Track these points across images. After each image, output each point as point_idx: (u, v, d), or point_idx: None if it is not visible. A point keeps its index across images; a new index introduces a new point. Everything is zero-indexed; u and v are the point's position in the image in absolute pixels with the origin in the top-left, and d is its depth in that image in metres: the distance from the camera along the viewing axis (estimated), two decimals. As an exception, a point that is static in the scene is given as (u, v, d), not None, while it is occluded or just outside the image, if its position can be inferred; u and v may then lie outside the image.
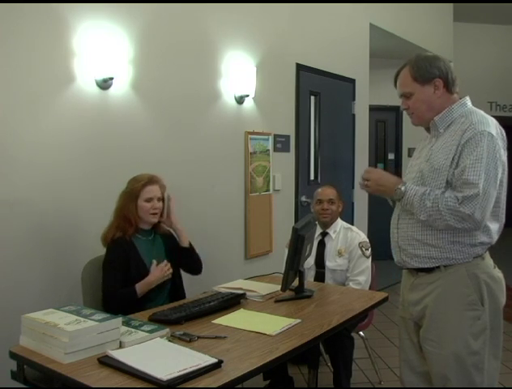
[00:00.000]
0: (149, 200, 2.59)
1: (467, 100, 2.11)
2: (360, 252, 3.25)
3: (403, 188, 2.05)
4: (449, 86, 2.08)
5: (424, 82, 2.07)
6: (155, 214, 2.62)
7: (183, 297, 2.69)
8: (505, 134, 2.04)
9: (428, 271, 2.06)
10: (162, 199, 2.66)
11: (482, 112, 2.05)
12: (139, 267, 2.55)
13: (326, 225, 3.37)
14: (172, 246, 2.75)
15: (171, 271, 2.55)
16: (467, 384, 1.98)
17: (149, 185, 2.61)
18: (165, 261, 2.55)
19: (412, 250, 2.09)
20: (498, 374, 2.06)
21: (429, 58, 2.10)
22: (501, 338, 2.05)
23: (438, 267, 2.04)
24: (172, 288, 2.68)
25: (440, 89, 2.07)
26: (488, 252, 2.06)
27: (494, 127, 1.98)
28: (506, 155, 2.04)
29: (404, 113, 2.21)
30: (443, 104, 2.08)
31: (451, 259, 2.01)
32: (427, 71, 2.06)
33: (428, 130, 2.18)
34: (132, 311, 2.31)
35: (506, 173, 2.04)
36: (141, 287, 2.47)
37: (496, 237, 2.04)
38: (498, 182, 1.96)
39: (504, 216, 2.07)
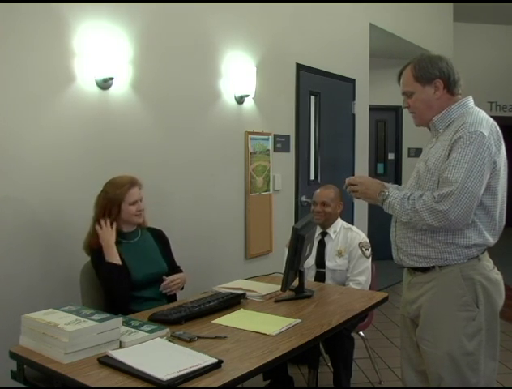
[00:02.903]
0: (134, 203, 2.59)
1: (469, 101, 2.09)
2: (360, 252, 3.25)
3: (386, 192, 2.08)
4: (450, 87, 2.07)
5: (424, 82, 2.07)
6: (140, 215, 2.62)
7: (174, 298, 2.68)
8: (501, 135, 2.01)
9: (424, 270, 2.07)
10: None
11: (482, 113, 2.03)
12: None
13: (325, 225, 3.37)
14: (164, 244, 2.75)
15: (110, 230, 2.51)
16: (461, 384, 1.98)
17: (132, 188, 2.59)
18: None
19: (408, 248, 2.10)
20: (495, 374, 2.05)
21: (431, 59, 2.09)
22: (497, 339, 2.05)
23: (434, 267, 2.04)
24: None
25: (440, 90, 2.07)
26: (486, 253, 2.05)
27: (488, 128, 1.95)
28: (504, 156, 2.02)
29: (405, 112, 2.23)
30: (443, 105, 2.08)
31: (446, 260, 2.01)
32: (427, 72, 2.06)
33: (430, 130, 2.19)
34: (131, 311, 2.32)
35: (504, 172, 2.02)
36: (109, 256, 2.45)
37: (491, 238, 2.03)
38: (485, 182, 1.93)
39: (503, 218, 2.06)
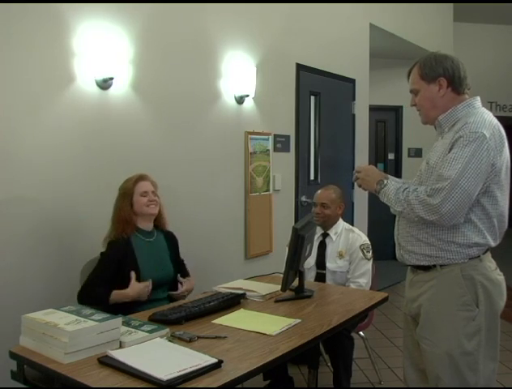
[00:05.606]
0: (144, 194, 2.63)
1: (475, 101, 2.09)
2: (361, 254, 3.23)
3: (385, 181, 2.11)
4: (454, 85, 2.07)
5: (429, 80, 2.08)
6: (152, 206, 2.65)
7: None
8: (504, 137, 2.00)
9: (425, 269, 2.08)
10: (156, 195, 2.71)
11: (487, 114, 2.02)
12: (133, 269, 2.53)
13: (326, 227, 3.36)
14: (174, 246, 2.80)
15: (149, 292, 2.50)
16: (460, 384, 1.98)
17: (140, 181, 2.66)
18: (149, 282, 2.50)
19: (409, 246, 2.11)
20: (495, 375, 2.05)
21: (437, 57, 2.10)
22: (498, 340, 2.04)
23: (435, 266, 2.05)
24: (173, 290, 2.69)
25: (444, 88, 2.07)
26: (488, 254, 2.05)
27: (490, 129, 1.95)
28: (507, 158, 2.01)
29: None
30: (447, 104, 2.08)
31: (446, 259, 2.01)
32: (432, 70, 2.07)
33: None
34: (134, 311, 2.33)
35: (506, 175, 2.01)
36: (117, 295, 2.46)
37: (491, 240, 2.02)
38: (481, 182, 1.92)
39: (505, 220, 2.05)
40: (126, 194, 2.63)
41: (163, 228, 2.78)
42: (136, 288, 2.47)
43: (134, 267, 2.55)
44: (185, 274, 2.80)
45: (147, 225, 2.69)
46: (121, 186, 2.68)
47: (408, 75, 2.18)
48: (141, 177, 2.68)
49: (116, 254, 2.55)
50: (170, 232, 2.82)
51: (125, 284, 2.48)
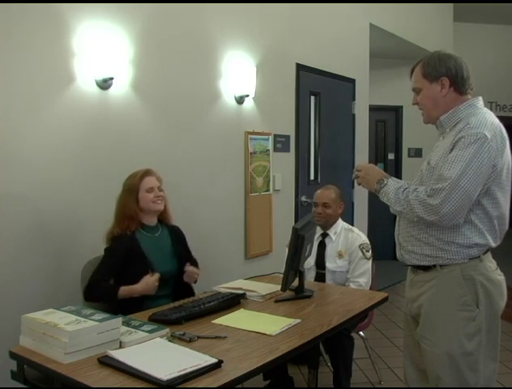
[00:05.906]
0: (150, 190, 2.62)
1: (477, 101, 2.08)
2: (360, 254, 3.23)
3: (385, 180, 2.10)
4: (457, 85, 2.06)
5: (431, 79, 2.07)
6: (159, 202, 2.64)
7: (191, 293, 2.70)
8: (506, 138, 1.99)
9: (426, 269, 2.08)
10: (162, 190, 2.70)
11: (489, 114, 2.02)
12: (141, 262, 2.53)
13: (325, 227, 3.36)
14: (178, 241, 2.78)
15: (156, 287, 2.47)
16: (460, 384, 1.98)
17: (146, 176, 2.64)
18: (157, 275, 2.48)
19: (410, 246, 2.11)
20: (495, 375, 2.05)
21: (441, 56, 2.09)
22: (498, 340, 2.04)
23: (435, 266, 2.04)
24: (177, 285, 2.69)
25: (446, 88, 2.06)
26: (489, 254, 2.05)
27: (492, 130, 1.94)
28: (508, 159, 2.01)
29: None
30: (449, 104, 2.07)
31: (446, 259, 2.01)
32: (434, 69, 2.07)
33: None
34: (136, 310, 2.33)
35: (507, 176, 2.01)
36: (124, 291, 2.45)
37: (492, 240, 2.02)
38: (481, 183, 1.91)
39: (505, 221, 2.05)
40: (132, 191, 2.61)
41: (167, 222, 2.77)
42: (144, 284, 2.44)
43: (143, 260, 2.53)
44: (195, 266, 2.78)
45: (152, 221, 2.69)
46: (126, 182, 2.66)
47: (411, 73, 2.18)
48: (146, 173, 2.66)
49: (121, 248, 2.54)
50: (176, 227, 2.81)
51: (132, 279, 2.46)
